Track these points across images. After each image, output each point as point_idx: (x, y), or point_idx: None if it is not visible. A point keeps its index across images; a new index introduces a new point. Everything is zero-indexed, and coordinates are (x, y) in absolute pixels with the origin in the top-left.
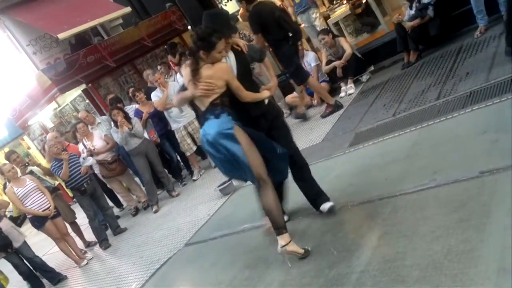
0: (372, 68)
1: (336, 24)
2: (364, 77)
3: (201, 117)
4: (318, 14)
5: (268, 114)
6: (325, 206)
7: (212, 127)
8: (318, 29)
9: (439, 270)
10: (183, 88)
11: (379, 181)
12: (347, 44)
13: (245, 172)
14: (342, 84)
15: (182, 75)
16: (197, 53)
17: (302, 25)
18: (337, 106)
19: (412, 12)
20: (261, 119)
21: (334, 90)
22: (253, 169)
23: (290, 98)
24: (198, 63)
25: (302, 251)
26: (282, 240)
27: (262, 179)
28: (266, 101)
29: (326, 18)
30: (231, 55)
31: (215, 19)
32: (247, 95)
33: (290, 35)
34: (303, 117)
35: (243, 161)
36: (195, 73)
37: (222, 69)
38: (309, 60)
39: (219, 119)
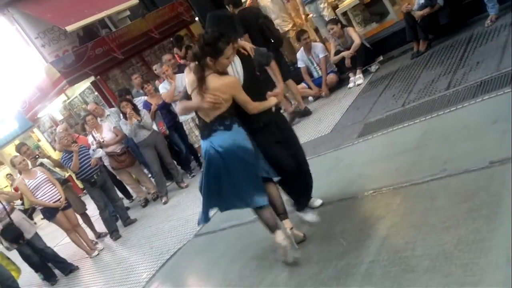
0: (381, 58)
1: (345, 14)
2: (373, 67)
3: (206, 128)
4: (326, 4)
5: (279, 122)
6: (318, 201)
7: (225, 140)
8: (327, 19)
9: (449, 260)
10: (186, 96)
11: (388, 172)
12: (356, 34)
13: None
14: (350, 74)
15: (185, 79)
16: (203, 59)
17: (310, 15)
18: (305, 113)
19: (422, 1)
20: (271, 126)
21: (342, 81)
22: None
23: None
24: (204, 70)
25: (302, 234)
26: (287, 224)
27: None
28: (274, 109)
29: (334, 8)
30: (237, 61)
31: (220, 22)
32: (255, 107)
33: (272, 41)
34: (306, 113)
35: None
36: (201, 82)
37: (230, 85)
38: (317, 51)
39: (231, 131)
